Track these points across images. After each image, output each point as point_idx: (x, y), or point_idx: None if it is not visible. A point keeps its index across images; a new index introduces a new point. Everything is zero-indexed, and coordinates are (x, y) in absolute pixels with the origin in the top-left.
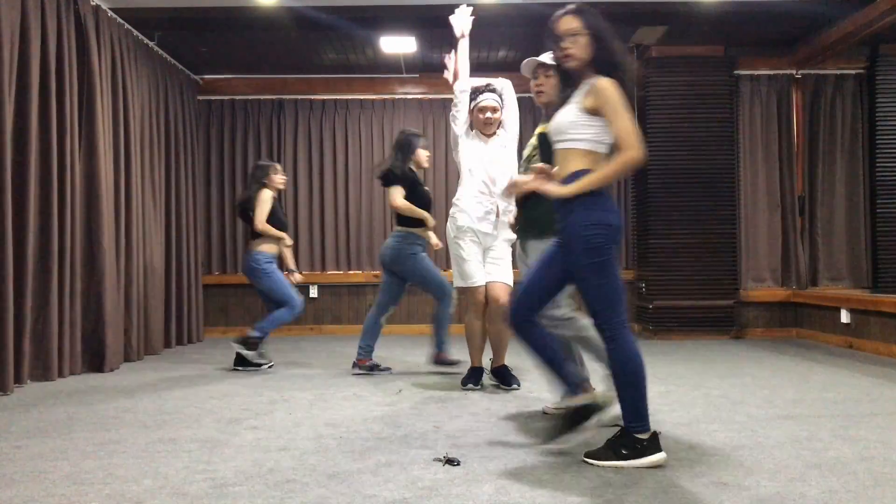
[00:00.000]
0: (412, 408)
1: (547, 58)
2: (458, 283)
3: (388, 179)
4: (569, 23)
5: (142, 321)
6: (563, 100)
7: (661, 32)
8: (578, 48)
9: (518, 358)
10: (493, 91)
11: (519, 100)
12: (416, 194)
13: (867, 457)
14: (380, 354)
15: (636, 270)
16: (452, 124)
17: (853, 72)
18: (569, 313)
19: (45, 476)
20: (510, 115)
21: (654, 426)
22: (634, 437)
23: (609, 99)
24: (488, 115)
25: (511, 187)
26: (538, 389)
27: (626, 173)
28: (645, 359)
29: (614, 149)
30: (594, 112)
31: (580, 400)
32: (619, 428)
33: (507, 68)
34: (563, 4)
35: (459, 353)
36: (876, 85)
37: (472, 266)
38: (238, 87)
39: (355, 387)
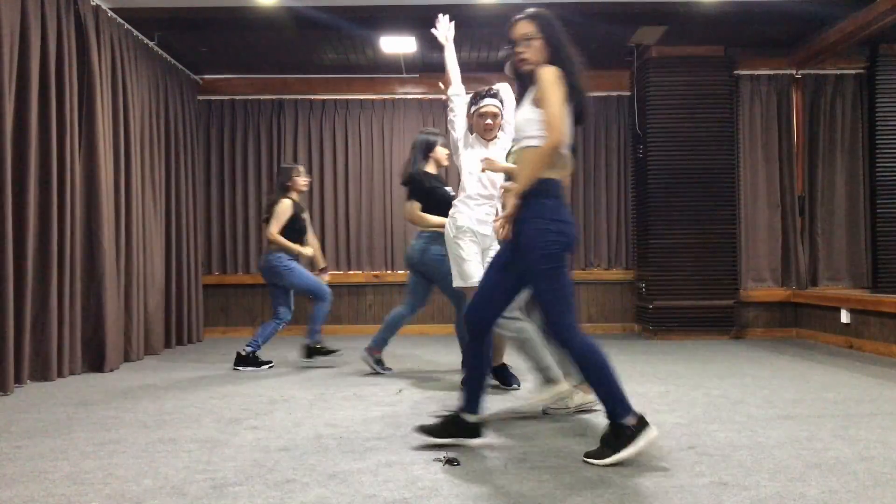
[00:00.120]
0: (412, 408)
1: None
2: (457, 283)
3: (409, 192)
4: (524, 27)
5: (142, 321)
6: (519, 100)
7: (661, 32)
8: (533, 52)
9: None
10: (495, 96)
11: None
12: (435, 197)
13: (867, 457)
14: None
15: (636, 270)
16: (451, 129)
17: (853, 72)
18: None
19: (45, 476)
20: (511, 119)
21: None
22: (622, 424)
23: (544, 83)
24: (488, 121)
25: (506, 193)
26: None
27: (551, 159)
28: (645, 358)
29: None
30: (540, 104)
31: (471, 418)
32: (609, 424)
33: None
34: (562, 5)
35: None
36: (876, 85)
37: (472, 266)
38: (238, 87)
39: (355, 387)
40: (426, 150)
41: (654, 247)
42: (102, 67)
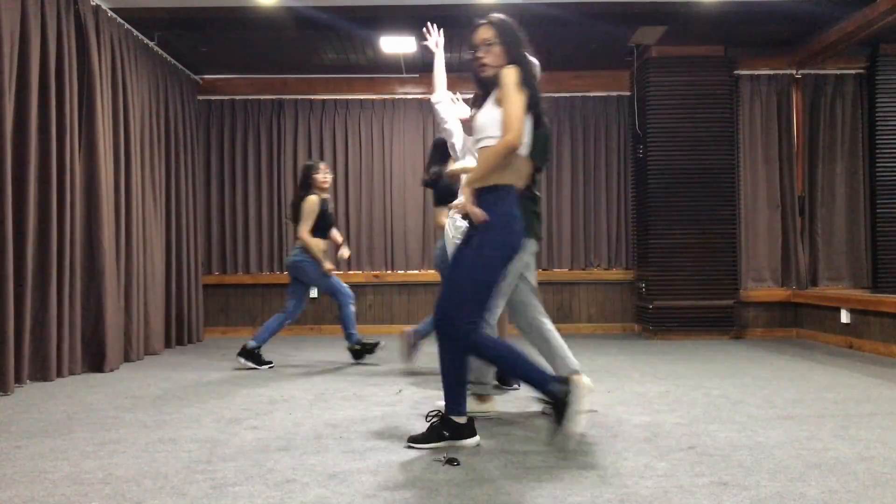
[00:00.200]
0: (412, 408)
1: None
2: None
3: (435, 196)
4: (484, 33)
5: (142, 321)
6: (481, 103)
7: (661, 32)
8: (492, 57)
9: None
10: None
11: None
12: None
13: (867, 457)
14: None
15: (636, 270)
16: (448, 139)
17: (853, 72)
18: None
19: (45, 476)
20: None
21: (654, 426)
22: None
23: (505, 83)
24: None
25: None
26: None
27: (505, 158)
28: (645, 358)
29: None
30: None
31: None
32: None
33: None
34: (562, 5)
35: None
36: (876, 85)
37: None
38: (238, 87)
39: (355, 387)
40: (445, 151)
41: (654, 247)
42: (102, 67)
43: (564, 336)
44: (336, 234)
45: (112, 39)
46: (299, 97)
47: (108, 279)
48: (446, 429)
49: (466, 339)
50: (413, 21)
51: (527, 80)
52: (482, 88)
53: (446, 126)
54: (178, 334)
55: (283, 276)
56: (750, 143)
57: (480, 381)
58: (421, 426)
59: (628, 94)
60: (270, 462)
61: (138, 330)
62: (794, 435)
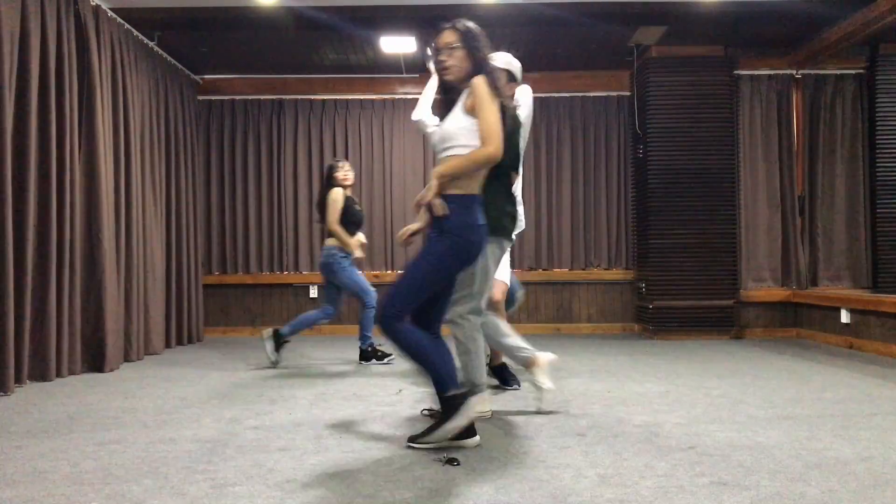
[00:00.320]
0: (412, 408)
1: (495, 59)
2: None
3: None
4: (448, 37)
5: (142, 321)
6: (444, 108)
7: (661, 32)
8: (455, 60)
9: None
10: None
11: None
12: None
13: (867, 457)
14: None
15: (636, 270)
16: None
17: (853, 72)
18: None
19: (45, 476)
20: (525, 123)
21: (654, 426)
22: (450, 396)
23: (479, 94)
24: None
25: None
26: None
27: (481, 167)
28: (645, 358)
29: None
30: (474, 113)
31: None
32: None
33: None
34: (562, 6)
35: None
36: (876, 85)
37: None
38: (238, 87)
39: (355, 387)
40: None
41: (654, 247)
42: (102, 67)
43: (565, 336)
44: (360, 235)
45: (112, 39)
46: (299, 97)
47: (108, 279)
48: (446, 410)
49: (386, 325)
50: (413, 21)
51: (495, 90)
52: (444, 92)
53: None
54: (178, 334)
55: (284, 276)
56: (750, 143)
57: (474, 383)
58: (421, 426)
59: (628, 94)
60: (270, 462)
61: (138, 330)
62: (794, 435)
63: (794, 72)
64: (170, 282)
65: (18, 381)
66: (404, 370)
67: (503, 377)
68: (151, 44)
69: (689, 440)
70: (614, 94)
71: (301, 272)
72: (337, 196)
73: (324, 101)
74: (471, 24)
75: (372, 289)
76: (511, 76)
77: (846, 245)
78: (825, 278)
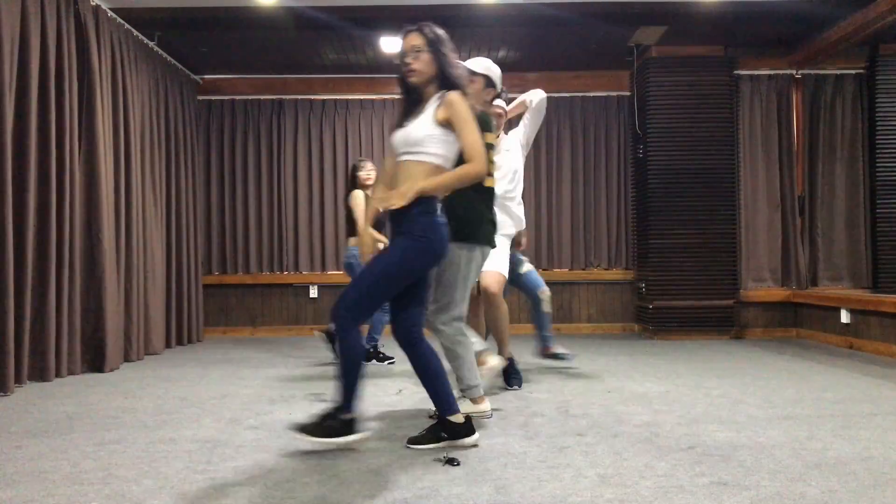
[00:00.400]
0: (412, 408)
1: (475, 64)
2: None
3: None
4: (413, 40)
5: (142, 321)
6: (406, 112)
7: (661, 32)
8: (421, 63)
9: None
10: (499, 96)
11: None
12: None
13: (867, 457)
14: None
15: (636, 270)
16: None
17: (853, 72)
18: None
19: (45, 476)
20: (530, 125)
21: (654, 426)
22: (342, 415)
23: (460, 112)
24: (493, 121)
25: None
26: (538, 389)
27: (466, 184)
28: (645, 358)
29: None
30: (445, 124)
31: (456, 417)
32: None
33: (507, 68)
34: (562, 6)
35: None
36: (876, 85)
37: None
38: (238, 87)
39: None
40: None
41: (654, 247)
42: (102, 67)
43: (565, 336)
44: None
45: (112, 39)
46: (299, 97)
47: (108, 279)
48: (444, 430)
49: (343, 323)
50: (413, 21)
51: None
52: (407, 95)
53: None
54: (179, 334)
55: (284, 276)
56: (750, 143)
57: (469, 385)
58: (422, 425)
59: (628, 94)
60: (270, 462)
61: (138, 330)
62: (794, 435)
63: (794, 72)
64: (170, 282)
65: (18, 381)
66: (403, 370)
67: (506, 374)
68: (151, 44)
69: (689, 440)
70: (614, 94)
71: (301, 272)
72: (359, 199)
73: (324, 101)
74: (437, 29)
75: None
76: (489, 81)
77: (846, 245)
78: (825, 278)
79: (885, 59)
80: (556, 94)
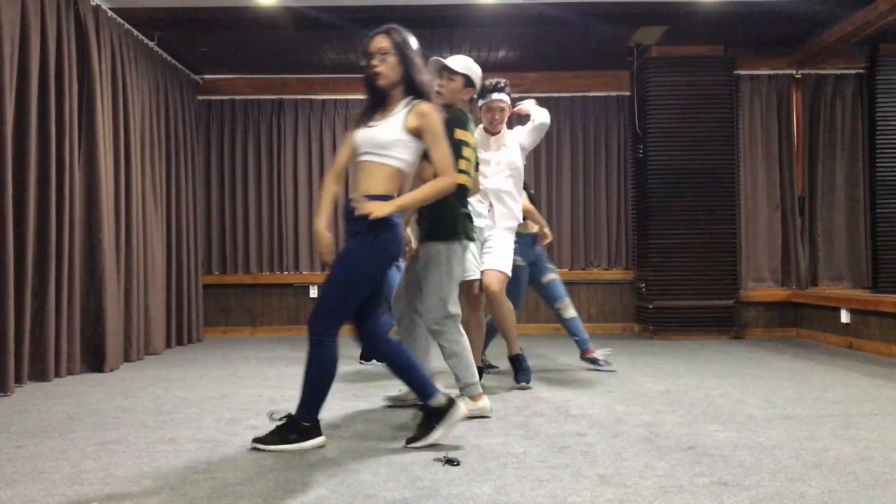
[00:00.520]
0: (412, 408)
1: (455, 63)
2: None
3: None
4: (380, 42)
5: (142, 321)
6: (370, 112)
7: (661, 32)
8: (387, 66)
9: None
10: (503, 90)
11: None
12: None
13: (867, 457)
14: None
15: (636, 270)
16: None
17: (853, 72)
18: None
19: (45, 476)
20: (528, 137)
21: (654, 426)
22: (301, 423)
23: (433, 125)
24: (496, 115)
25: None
26: (538, 389)
27: (439, 197)
28: (645, 358)
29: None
30: (415, 132)
31: (437, 401)
32: (286, 416)
33: (507, 68)
34: (562, 6)
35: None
36: (876, 85)
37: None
38: (238, 87)
39: (355, 387)
40: None
41: (654, 247)
42: (102, 67)
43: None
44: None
45: (112, 39)
46: (299, 97)
47: (108, 279)
48: (432, 418)
49: (317, 338)
50: (413, 21)
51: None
52: (373, 96)
53: None
54: (179, 334)
55: (284, 276)
56: (750, 143)
57: (467, 383)
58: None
59: (628, 94)
60: (270, 462)
61: (138, 330)
62: (794, 435)
63: (794, 72)
64: (170, 282)
65: (18, 381)
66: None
67: (515, 370)
68: (151, 44)
69: (689, 440)
70: (614, 94)
71: (301, 272)
72: None
73: (324, 101)
74: (405, 33)
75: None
76: (469, 81)
77: (846, 245)
78: (825, 278)
79: (885, 59)
80: (556, 94)
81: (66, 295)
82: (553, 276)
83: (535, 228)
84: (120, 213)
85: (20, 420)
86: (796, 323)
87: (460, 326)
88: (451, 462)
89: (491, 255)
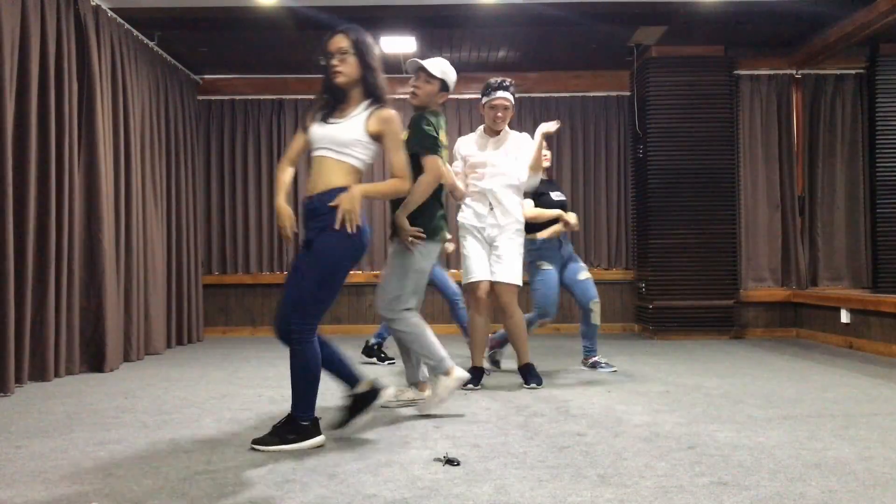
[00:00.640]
0: (412, 408)
1: (433, 66)
2: (463, 279)
3: None
4: (339, 42)
5: (142, 321)
6: (328, 108)
7: (661, 32)
8: (347, 66)
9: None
10: (507, 88)
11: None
12: (540, 202)
13: (867, 457)
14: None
15: (636, 270)
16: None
17: (853, 72)
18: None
19: (45, 476)
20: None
21: (654, 426)
22: (300, 423)
23: (393, 131)
24: (499, 113)
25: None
26: (539, 389)
27: (392, 198)
28: (645, 358)
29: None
30: (375, 136)
31: (362, 387)
32: (286, 416)
33: (507, 68)
34: (562, 6)
35: (461, 350)
36: (876, 85)
37: (472, 262)
38: (238, 87)
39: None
40: None
41: (654, 247)
42: (102, 67)
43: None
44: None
45: (112, 39)
46: (299, 97)
47: (108, 279)
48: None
49: (299, 340)
50: (413, 21)
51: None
52: (331, 95)
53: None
54: (179, 334)
55: (283, 276)
56: (750, 143)
57: (436, 360)
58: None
59: (628, 94)
60: (270, 462)
61: (138, 330)
62: (794, 435)
63: (794, 72)
64: (170, 282)
65: (18, 381)
66: (402, 370)
67: (524, 376)
68: (151, 44)
69: (689, 440)
70: (614, 94)
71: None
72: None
73: None
74: (363, 33)
75: (451, 284)
76: (444, 85)
77: (846, 245)
78: (825, 278)
79: (885, 59)
80: (556, 94)
81: (65, 295)
82: (587, 273)
83: (553, 232)
84: (120, 213)
85: (20, 420)
86: (796, 323)
87: (415, 312)
88: (451, 462)
89: (501, 265)
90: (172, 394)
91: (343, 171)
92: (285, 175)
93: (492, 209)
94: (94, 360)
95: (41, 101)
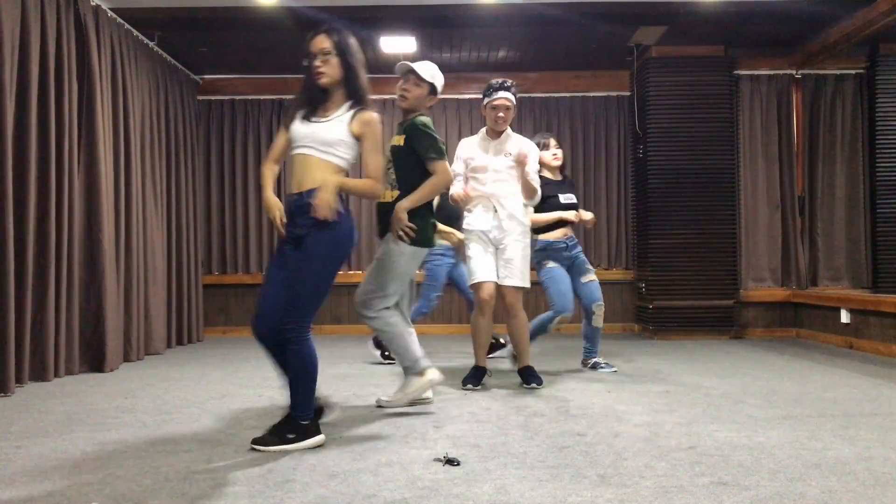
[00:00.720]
0: (413, 408)
1: (422, 69)
2: (468, 280)
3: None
4: (321, 42)
5: (142, 321)
6: (310, 107)
7: (661, 32)
8: (329, 67)
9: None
10: (508, 89)
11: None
12: (547, 206)
13: (867, 457)
14: None
15: (636, 270)
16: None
17: (853, 72)
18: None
19: (45, 476)
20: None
21: (654, 426)
22: (299, 422)
23: (374, 134)
24: (500, 113)
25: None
26: (539, 389)
27: (366, 196)
28: (645, 358)
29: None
30: (357, 137)
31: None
32: (285, 416)
33: (507, 68)
34: (562, 6)
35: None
36: (876, 85)
37: (476, 263)
38: (238, 87)
39: (355, 387)
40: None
41: (654, 247)
42: (102, 67)
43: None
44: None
45: (112, 39)
46: None
47: (108, 279)
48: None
49: (296, 338)
50: (413, 21)
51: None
52: (312, 95)
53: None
54: (179, 334)
55: None
56: (750, 143)
57: (412, 362)
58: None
59: (628, 94)
60: (270, 462)
61: (138, 330)
62: (794, 435)
63: (794, 72)
64: (170, 282)
65: (19, 381)
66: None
67: (525, 377)
68: (151, 44)
69: (689, 440)
70: (614, 94)
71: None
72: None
73: None
74: (346, 33)
75: (432, 294)
76: (433, 89)
77: (846, 245)
78: (825, 278)
79: (885, 59)
80: (556, 94)
81: (65, 295)
82: (592, 276)
83: (563, 233)
84: (120, 213)
85: (20, 420)
86: (796, 323)
87: (394, 312)
88: (451, 462)
89: (509, 268)
90: (172, 394)
91: (329, 169)
92: (271, 171)
93: (496, 212)
94: (94, 360)
95: (41, 101)
